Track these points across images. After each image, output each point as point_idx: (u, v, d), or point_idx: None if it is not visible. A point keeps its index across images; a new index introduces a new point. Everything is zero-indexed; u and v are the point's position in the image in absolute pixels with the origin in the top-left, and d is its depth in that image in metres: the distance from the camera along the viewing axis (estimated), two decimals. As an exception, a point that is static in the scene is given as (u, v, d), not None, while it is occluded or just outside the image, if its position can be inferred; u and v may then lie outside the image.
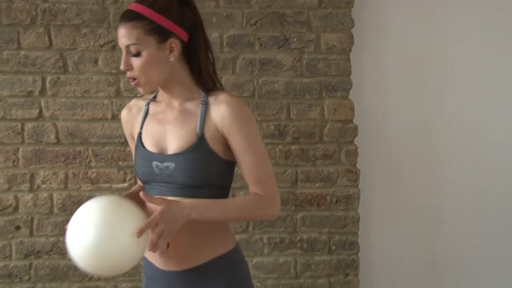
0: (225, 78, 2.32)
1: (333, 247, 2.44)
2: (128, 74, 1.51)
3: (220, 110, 1.54)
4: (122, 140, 2.29)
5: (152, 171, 1.58)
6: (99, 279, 2.29)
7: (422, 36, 2.52)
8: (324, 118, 2.42)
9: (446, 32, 2.54)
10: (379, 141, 2.53)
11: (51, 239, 2.30)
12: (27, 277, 2.29)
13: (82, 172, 2.31)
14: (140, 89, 1.54)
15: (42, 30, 2.26)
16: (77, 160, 2.31)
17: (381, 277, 2.55)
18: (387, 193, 2.55)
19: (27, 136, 2.28)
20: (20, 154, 2.28)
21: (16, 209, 2.29)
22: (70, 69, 2.29)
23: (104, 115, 2.31)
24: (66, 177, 2.31)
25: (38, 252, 2.29)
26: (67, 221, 2.17)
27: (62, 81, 2.29)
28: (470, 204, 2.57)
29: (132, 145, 1.71)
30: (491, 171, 2.56)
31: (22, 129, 2.29)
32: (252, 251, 2.38)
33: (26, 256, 2.28)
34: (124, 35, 1.47)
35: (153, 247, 1.36)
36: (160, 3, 1.50)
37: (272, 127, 2.37)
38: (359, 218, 2.43)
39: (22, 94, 2.27)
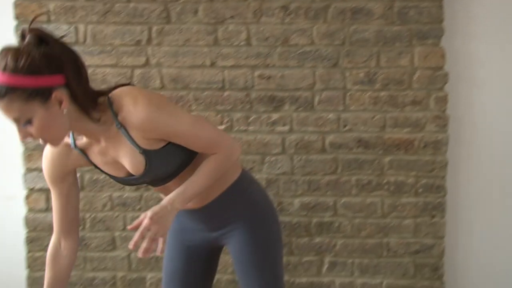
0: (316, 27, 2.40)
1: (420, 190, 2.51)
2: (32, 139, 1.43)
3: (136, 125, 1.47)
4: (220, 86, 2.45)
5: (133, 184, 1.65)
6: None
7: None
8: (414, 65, 2.44)
9: None
10: (470, 87, 2.52)
11: None
12: (138, 206, 2.55)
13: None
14: (52, 146, 1.51)
15: None
16: (180, 103, 2.48)
17: (467, 219, 2.59)
18: (476, 139, 2.55)
19: (135, 81, 2.48)
20: None
21: None
22: (173, 20, 2.44)
23: (203, 62, 2.46)
24: None
25: (147, 186, 2.49)
26: None
27: (166, 31, 2.45)
28: None
29: (56, 188, 1.65)
30: None
31: (132, 74, 2.48)
32: (340, 192, 2.50)
33: (137, 189, 2.53)
34: (6, 111, 1.35)
35: (146, 252, 1.44)
36: (24, 64, 1.33)
37: (361, 74, 2.44)
38: (447, 163, 2.47)
39: (131, 43, 2.45)
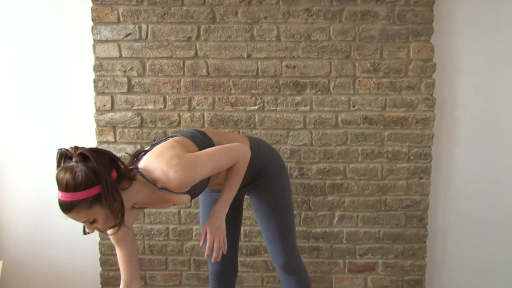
0: (333, 26, 2.80)
1: (412, 157, 2.92)
2: (100, 231, 1.71)
3: (176, 188, 1.77)
4: (254, 74, 2.85)
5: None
6: None
7: None
8: (410, 57, 2.84)
9: None
10: (453, 75, 2.91)
11: None
12: None
13: (224, 98, 2.89)
14: (112, 232, 1.78)
15: None
16: (221, 89, 2.88)
17: (447, 180, 3.01)
18: (457, 116, 2.95)
19: (186, 70, 2.86)
20: (182, 83, 2.88)
21: (179, 123, 2.91)
22: (218, 20, 2.83)
23: (241, 54, 2.85)
24: (214, 101, 2.89)
25: None
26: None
27: (212, 29, 2.83)
28: None
29: (122, 244, 1.93)
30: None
31: (183, 65, 2.86)
32: (349, 159, 2.91)
33: None
34: (75, 218, 1.61)
35: (218, 257, 1.84)
36: (81, 181, 1.56)
37: (368, 64, 2.85)
38: (433, 136, 2.90)
39: (183, 39, 2.84)
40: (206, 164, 1.79)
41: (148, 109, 2.91)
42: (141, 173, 1.74)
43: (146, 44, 2.85)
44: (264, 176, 2.18)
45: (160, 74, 2.88)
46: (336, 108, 2.91)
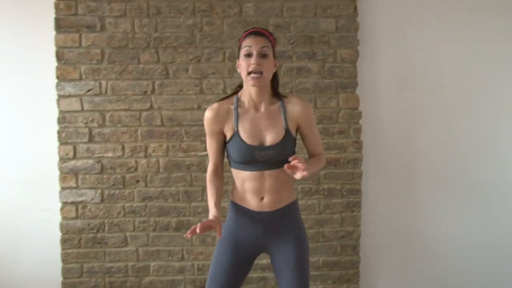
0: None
1: (344, 193, 3.20)
2: (256, 68, 2.02)
3: (297, 109, 2.13)
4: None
5: (253, 157, 2.09)
6: (190, 215, 3.17)
7: (405, 52, 3.25)
8: (339, 106, 3.15)
9: (422, 44, 3.24)
10: (376, 121, 3.25)
11: (159, 189, 3.16)
12: (144, 213, 3.17)
13: (177, 145, 3.13)
14: (257, 81, 2.03)
15: (153, 50, 3.10)
16: (175, 137, 3.13)
17: (375, 212, 3.33)
18: (381, 157, 3.29)
19: (143, 121, 3.12)
20: (138, 133, 3.13)
21: (136, 169, 3.15)
22: (170, 76, 3.11)
23: (192, 106, 3.12)
24: (168, 148, 3.13)
25: (151, 197, 3.16)
26: (168, 177, 3.04)
27: (165, 84, 3.11)
28: (439, 164, 3.31)
29: (214, 139, 2.18)
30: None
31: (140, 116, 3.12)
32: None
33: (143, 200, 3.16)
34: (259, 41, 2.05)
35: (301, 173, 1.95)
36: (273, 37, 2.16)
37: None
38: (362, 174, 3.21)
39: (140, 93, 3.11)
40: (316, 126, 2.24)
41: (108, 156, 3.16)
42: (279, 93, 2.21)
43: (106, 98, 3.11)
44: (300, 236, 2.24)
45: (118, 125, 3.14)
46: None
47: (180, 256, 3.24)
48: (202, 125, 2.98)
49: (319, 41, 3.18)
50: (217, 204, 2.13)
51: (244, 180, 2.16)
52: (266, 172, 2.12)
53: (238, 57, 2.16)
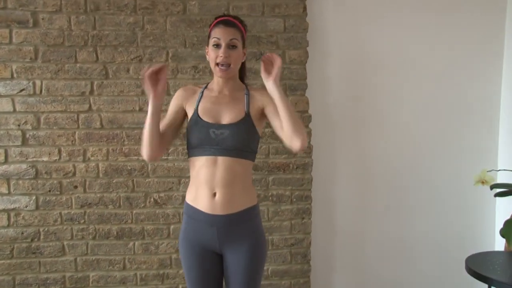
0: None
1: (294, 200, 3.15)
2: (224, 60, 2.07)
3: (259, 93, 2.18)
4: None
5: (208, 136, 2.08)
6: (132, 222, 3.07)
7: (356, 53, 3.23)
8: None
9: (374, 45, 3.23)
10: (326, 125, 3.21)
11: (98, 195, 3.04)
12: (82, 220, 3.05)
13: (118, 148, 3.03)
14: (224, 74, 2.10)
15: (91, 49, 2.98)
16: (115, 140, 3.03)
17: (328, 219, 3.29)
18: (331, 161, 3.26)
19: (80, 123, 3.00)
20: (76, 136, 3.01)
21: (74, 174, 3.02)
22: (110, 76, 3.00)
23: (133, 108, 3.02)
24: (108, 152, 3.03)
25: (90, 204, 3.04)
26: (109, 183, 2.93)
27: (105, 85, 3.00)
28: (395, 172, 3.31)
29: (174, 114, 2.21)
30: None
31: (77, 118, 3.00)
32: None
33: (81, 206, 3.04)
34: (228, 33, 2.09)
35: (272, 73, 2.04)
36: (244, 24, 2.21)
37: None
38: (312, 179, 3.17)
39: (77, 94, 2.99)
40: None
41: (43, 161, 3.02)
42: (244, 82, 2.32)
43: (41, 98, 2.98)
44: (257, 243, 2.20)
45: (55, 127, 3.01)
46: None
47: (122, 266, 3.13)
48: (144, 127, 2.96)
49: (267, 41, 3.11)
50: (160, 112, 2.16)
51: (198, 168, 2.13)
52: (220, 158, 2.09)
53: (207, 44, 2.19)
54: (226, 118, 2.13)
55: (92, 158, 3.05)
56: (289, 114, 2.05)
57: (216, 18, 2.21)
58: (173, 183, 3.11)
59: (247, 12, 3.09)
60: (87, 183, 3.07)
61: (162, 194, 3.11)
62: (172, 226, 3.13)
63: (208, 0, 3.07)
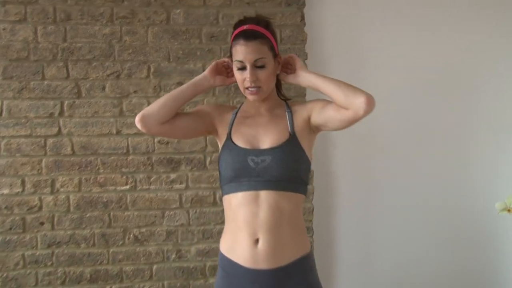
0: (206, 99, 2.76)
1: None
2: (253, 84, 1.73)
3: (303, 106, 1.83)
4: (125, 151, 2.71)
5: (246, 166, 1.71)
6: (108, 263, 2.72)
7: (359, 66, 2.97)
8: None
9: (378, 58, 2.99)
10: (327, 143, 2.96)
11: (69, 232, 2.70)
12: (50, 262, 2.69)
13: (92, 178, 2.72)
14: (256, 96, 1.76)
15: (61, 64, 2.67)
16: (89, 168, 2.71)
17: (327, 251, 3.01)
18: (333, 187, 2.99)
19: (48, 149, 2.68)
20: (43, 164, 2.68)
21: (40, 208, 2.68)
22: (83, 95, 2.70)
23: (110, 131, 2.72)
24: (80, 181, 2.71)
25: (59, 243, 2.70)
26: (81, 217, 2.64)
27: (77, 105, 2.70)
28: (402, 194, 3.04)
29: (198, 117, 1.88)
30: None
31: (45, 143, 2.68)
32: None
33: (49, 246, 2.69)
34: (252, 51, 1.70)
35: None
36: (271, 27, 1.80)
37: None
38: (313, 209, 2.89)
39: (45, 115, 2.67)
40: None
41: (3, 194, 2.66)
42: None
43: (1, 121, 2.64)
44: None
45: (17, 154, 2.66)
46: (213, 185, 2.80)
47: (97, 315, 2.74)
48: (122, 153, 2.66)
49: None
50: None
51: (235, 208, 1.74)
52: (262, 193, 1.70)
53: (231, 58, 1.83)
54: (267, 141, 1.76)
55: (62, 189, 2.71)
56: (337, 84, 1.73)
57: (235, 27, 1.82)
58: (155, 216, 2.78)
59: (239, 22, 2.77)
60: (56, 218, 2.71)
61: (143, 230, 2.77)
62: (155, 266, 2.79)
63: (194, 8, 2.79)
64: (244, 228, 1.72)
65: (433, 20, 3.06)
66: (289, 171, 1.70)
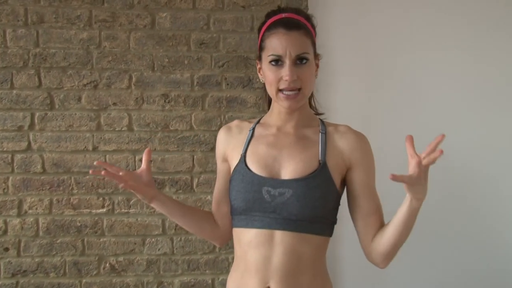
0: (194, 114, 2.57)
1: None
2: (291, 86, 1.43)
3: (349, 140, 1.51)
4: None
5: (260, 198, 1.47)
6: None
7: (367, 80, 2.78)
8: None
9: (386, 68, 2.80)
10: None
11: (37, 260, 2.51)
12: None
13: (65, 199, 2.54)
14: (294, 103, 1.46)
15: (33, 71, 2.51)
16: (61, 188, 2.53)
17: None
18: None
19: (16, 166, 2.51)
20: (9, 182, 2.51)
21: (5, 232, 2.50)
22: (57, 106, 2.54)
23: (85, 147, 2.54)
24: (51, 203, 2.53)
25: (25, 271, 2.50)
26: (51, 243, 2.45)
27: (49, 117, 2.53)
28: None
29: (225, 175, 1.63)
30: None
31: (12, 159, 2.51)
32: (218, 269, 2.60)
33: (13, 275, 2.49)
34: (295, 43, 1.42)
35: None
36: (312, 21, 1.53)
37: None
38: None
39: (12, 128, 2.50)
40: (374, 177, 1.60)
41: None
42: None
43: None
44: None
45: None
46: (201, 210, 2.58)
47: None
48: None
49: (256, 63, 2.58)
50: (175, 201, 1.64)
51: (245, 246, 1.49)
52: (278, 234, 1.44)
53: (258, 58, 1.54)
54: (289, 170, 1.47)
55: (30, 211, 2.54)
56: (404, 237, 1.44)
57: (268, 16, 1.53)
58: (135, 243, 2.59)
59: (232, 27, 2.65)
60: (22, 244, 2.54)
61: (120, 258, 2.58)
62: (134, 300, 2.60)
63: (183, 12, 2.62)
64: (254, 272, 1.47)
65: (439, 23, 2.87)
66: (312, 210, 1.43)
